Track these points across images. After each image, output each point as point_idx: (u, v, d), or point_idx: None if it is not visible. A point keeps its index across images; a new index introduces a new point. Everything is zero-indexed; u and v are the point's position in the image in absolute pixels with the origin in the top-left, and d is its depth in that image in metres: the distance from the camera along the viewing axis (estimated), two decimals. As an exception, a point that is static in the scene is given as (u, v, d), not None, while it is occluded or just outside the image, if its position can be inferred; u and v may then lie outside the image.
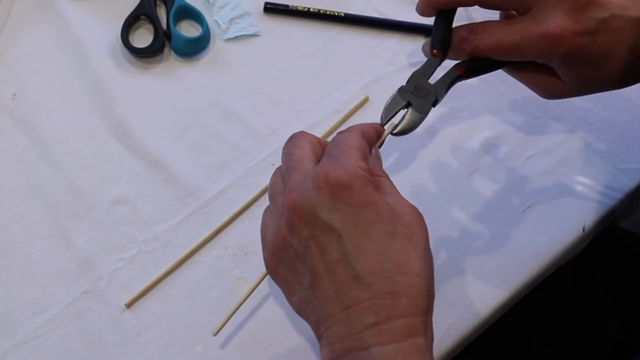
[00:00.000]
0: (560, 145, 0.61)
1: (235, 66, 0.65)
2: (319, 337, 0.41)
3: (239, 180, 0.59)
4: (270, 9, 0.67)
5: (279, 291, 0.53)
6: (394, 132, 0.48)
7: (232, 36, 0.66)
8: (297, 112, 0.62)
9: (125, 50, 0.64)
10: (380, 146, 0.47)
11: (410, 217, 0.41)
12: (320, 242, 0.39)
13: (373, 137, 0.46)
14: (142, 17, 0.66)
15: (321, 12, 0.67)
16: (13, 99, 0.62)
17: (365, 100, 0.63)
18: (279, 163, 0.59)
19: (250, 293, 0.49)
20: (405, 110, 0.48)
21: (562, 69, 0.47)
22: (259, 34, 0.67)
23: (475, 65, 0.50)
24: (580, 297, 0.67)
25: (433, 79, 0.49)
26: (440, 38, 0.50)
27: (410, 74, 0.64)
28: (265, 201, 0.58)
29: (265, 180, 0.59)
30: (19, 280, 0.54)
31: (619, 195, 0.59)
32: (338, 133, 0.44)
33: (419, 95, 0.49)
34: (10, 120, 0.61)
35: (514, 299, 0.55)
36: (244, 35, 0.66)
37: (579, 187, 0.59)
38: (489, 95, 0.64)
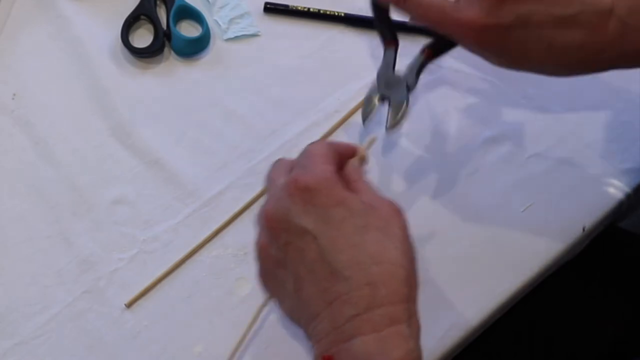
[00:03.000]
0: (560, 145, 0.61)
1: (235, 66, 0.65)
2: (309, 338, 0.41)
3: (239, 180, 0.59)
4: (270, 9, 0.67)
5: (279, 291, 0.53)
6: (388, 128, 0.49)
7: (232, 36, 0.66)
8: (297, 112, 0.62)
9: (125, 50, 0.64)
10: (365, 161, 0.47)
11: (385, 211, 0.42)
12: (298, 246, 0.41)
13: (344, 146, 0.47)
14: (142, 17, 0.66)
15: (321, 12, 0.67)
16: (13, 99, 0.62)
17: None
18: (279, 163, 0.60)
19: (256, 318, 0.51)
20: (388, 107, 0.50)
21: (481, 55, 0.48)
22: (259, 34, 0.67)
23: (438, 47, 0.52)
24: (580, 297, 0.67)
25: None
26: (386, 28, 0.53)
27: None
28: (264, 201, 0.58)
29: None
30: (19, 280, 0.54)
31: (619, 196, 0.59)
32: (307, 145, 0.46)
33: (391, 89, 0.51)
34: (10, 120, 0.61)
35: (514, 299, 0.55)
36: (244, 35, 0.66)
37: (579, 187, 0.59)
38: (489, 95, 0.64)
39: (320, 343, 0.40)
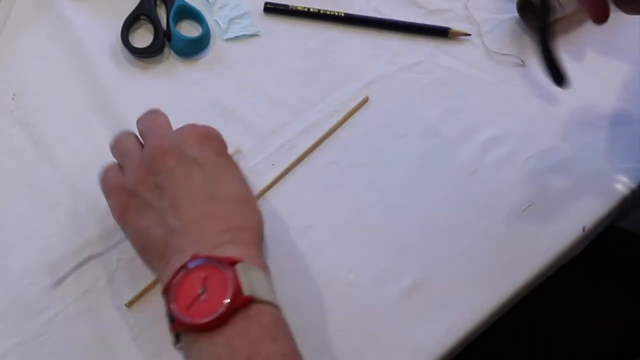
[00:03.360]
0: (560, 145, 0.61)
1: (235, 66, 0.65)
2: (165, 252, 0.45)
3: (239, 180, 0.59)
4: (270, 9, 0.67)
5: (280, 291, 0.53)
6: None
7: (232, 36, 0.66)
8: (297, 112, 0.62)
9: (125, 50, 0.64)
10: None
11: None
12: (184, 170, 0.47)
13: None
14: (142, 17, 0.66)
15: (321, 12, 0.67)
16: (13, 99, 0.62)
17: (365, 101, 0.63)
18: (279, 163, 0.60)
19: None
20: None
21: None
22: (259, 34, 0.67)
23: None
24: (580, 297, 0.67)
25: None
26: None
27: (410, 73, 0.64)
28: (264, 201, 0.58)
29: (265, 180, 0.59)
30: (19, 280, 0.54)
31: (619, 195, 0.59)
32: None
33: None
34: (10, 120, 0.61)
35: (514, 299, 0.55)
36: (244, 35, 0.66)
37: (579, 187, 0.59)
38: (489, 95, 0.64)
39: (183, 253, 0.44)
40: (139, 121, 0.52)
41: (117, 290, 0.54)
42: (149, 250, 0.48)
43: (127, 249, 0.56)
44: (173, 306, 0.42)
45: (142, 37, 0.65)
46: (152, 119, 0.52)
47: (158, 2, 0.67)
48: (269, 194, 0.58)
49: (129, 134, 0.52)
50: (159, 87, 0.63)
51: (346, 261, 0.55)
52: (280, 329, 0.43)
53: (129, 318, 0.53)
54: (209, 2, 0.67)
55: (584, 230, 0.57)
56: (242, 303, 0.41)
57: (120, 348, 0.52)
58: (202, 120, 0.61)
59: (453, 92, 0.64)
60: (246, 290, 0.41)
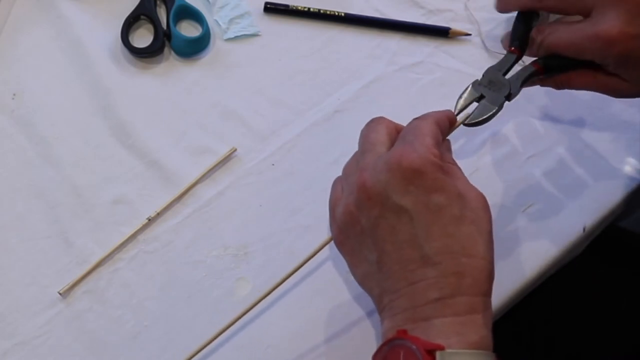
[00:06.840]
0: (560, 145, 0.61)
1: (235, 66, 0.65)
2: (381, 309, 0.43)
3: (239, 180, 0.59)
4: (270, 9, 0.67)
5: (279, 291, 0.53)
6: (466, 122, 0.49)
7: (232, 36, 0.66)
8: (297, 112, 0.62)
9: (125, 50, 0.64)
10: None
11: (476, 203, 0.43)
12: (390, 222, 0.42)
13: (446, 126, 0.48)
14: (142, 17, 0.66)
15: (321, 12, 0.67)
16: (13, 99, 0.62)
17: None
18: (279, 163, 0.60)
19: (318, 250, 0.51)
20: (478, 102, 0.50)
21: (620, 70, 0.49)
22: (259, 34, 0.67)
23: (550, 63, 0.52)
24: (581, 298, 0.67)
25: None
26: (519, 36, 0.53)
27: (410, 73, 0.65)
28: (264, 201, 0.58)
29: (265, 180, 0.59)
30: (19, 280, 0.54)
31: (619, 195, 0.59)
32: (413, 119, 0.47)
33: (492, 89, 0.51)
34: (10, 120, 0.61)
35: (514, 299, 0.55)
36: (244, 35, 0.66)
37: (579, 187, 0.59)
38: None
39: (395, 317, 0.41)
40: (362, 130, 0.48)
41: (117, 290, 0.54)
42: (365, 289, 0.46)
43: (127, 250, 0.56)
44: None
45: (142, 37, 0.65)
46: (366, 134, 0.47)
47: (158, 2, 0.67)
48: (269, 194, 0.58)
49: (354, 154, 0.48)
50: (159, 87, 0.63)
51: (345, 261, 0.55)
52: None
53: (129, 318, 0.53)
54: (209, 2, 0.67)
55: (584, 230, 0.57)
56: None
57: (121, 348, 0.52)
58: (202, 120, 0.61)
59: (453, 92, 0.63)
60: None
